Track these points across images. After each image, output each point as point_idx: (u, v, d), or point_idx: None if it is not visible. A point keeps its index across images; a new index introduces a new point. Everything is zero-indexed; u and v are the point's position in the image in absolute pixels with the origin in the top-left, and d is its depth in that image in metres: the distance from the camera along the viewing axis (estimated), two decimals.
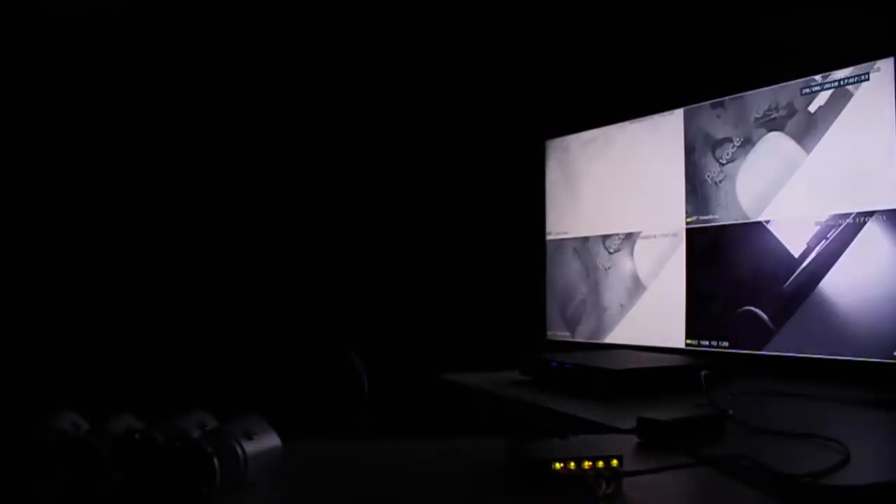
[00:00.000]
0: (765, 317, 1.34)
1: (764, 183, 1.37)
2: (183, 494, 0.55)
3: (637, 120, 1.61)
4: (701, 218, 1.47)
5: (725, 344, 1.40)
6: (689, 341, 1.46)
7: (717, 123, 1.45)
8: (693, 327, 1.46)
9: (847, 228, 1.24)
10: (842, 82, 1.26)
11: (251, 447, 0.59)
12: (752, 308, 1.36)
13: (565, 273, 1.76)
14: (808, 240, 1.29)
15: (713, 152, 1.46)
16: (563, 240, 1.78)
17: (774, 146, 1.36)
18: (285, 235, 1.70)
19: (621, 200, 1.64)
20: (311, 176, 1.72)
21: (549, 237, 1.82)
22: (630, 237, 1.61)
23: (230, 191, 1.66)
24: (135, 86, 1.59)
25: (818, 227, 1.28)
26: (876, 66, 1.22)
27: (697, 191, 1.48)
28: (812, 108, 1.30)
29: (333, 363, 1.19)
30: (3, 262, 1.49)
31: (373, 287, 1.75)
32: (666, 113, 1.54)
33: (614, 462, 0.60)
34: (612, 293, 1.64)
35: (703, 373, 1.10)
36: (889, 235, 1.19)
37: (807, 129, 1.31)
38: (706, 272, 1.45)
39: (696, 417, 0.78)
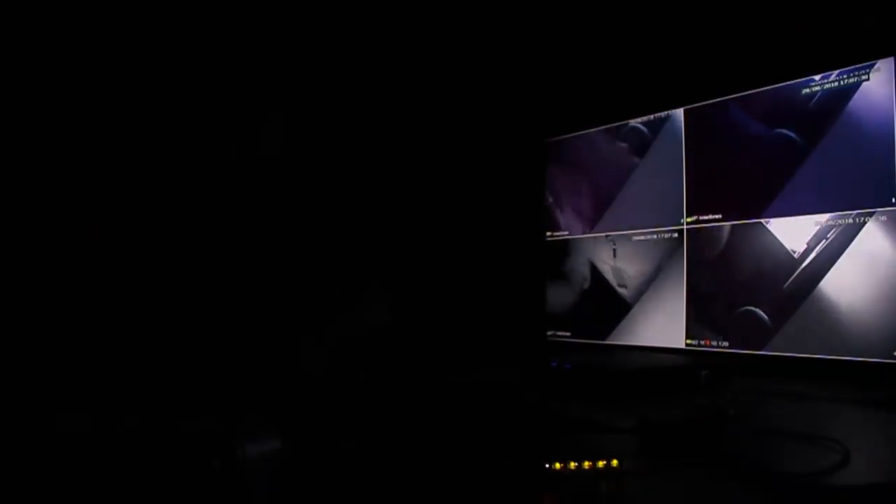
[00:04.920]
0: (765, 317, 1.34)
1: (764, 183, 1.37)
2: (183, 494, 0.55)
3: (638, 119, 1.61)
4: (701, 218, 1.47)
5: (725, 344, 1.40)
6: (689, 341, 1.46)
7: (718, 123, 1.45)
8: (693, 327, 1.46)
9: (847, 228, 1.24)
10: (842, 82, 1.27)
11: (251, 447, 0.59)
12: (752, 308, 1.37)
13: (565, 273, 1.76)
14: (808, 240, 1.29)
15: (713, 152, 1.46)
16: (563, 240, 1.78)
17: (774, 146, 1.36)
18: (286, 234, 1.70)
19: (621, 200, 1.64)
20: (312, 175, 1.72)
21: (549, 237, 1.82)
22: (630, 237, 1.61)
23: (226, 189, 1.66)
24: (130, 82, 1.59)
25: (818, 227, 1.28)
26: (876, 66, 1.22)
27: (698, 190, 1.48)
28: (812, 107, 1.30)
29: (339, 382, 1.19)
30: (6, 261, 1.49)
31: (373, 287, 1.75)
32: (666, 112, 1.54)
33: (614, 462, 0.60)
34: (612, 293, 1.64)
35: (703, 373, 1.10)
36: (889, 235, 1.19)
37: (807, 129, 1.31)
38: (706, 272, 1.45)
39: (696, 417, 0.78)
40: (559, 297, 1.78)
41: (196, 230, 1.62)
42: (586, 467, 0.60)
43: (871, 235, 1.21)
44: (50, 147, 1.53)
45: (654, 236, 1.55)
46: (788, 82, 1.34)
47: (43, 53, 1.48)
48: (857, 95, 1.24)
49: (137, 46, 1.57)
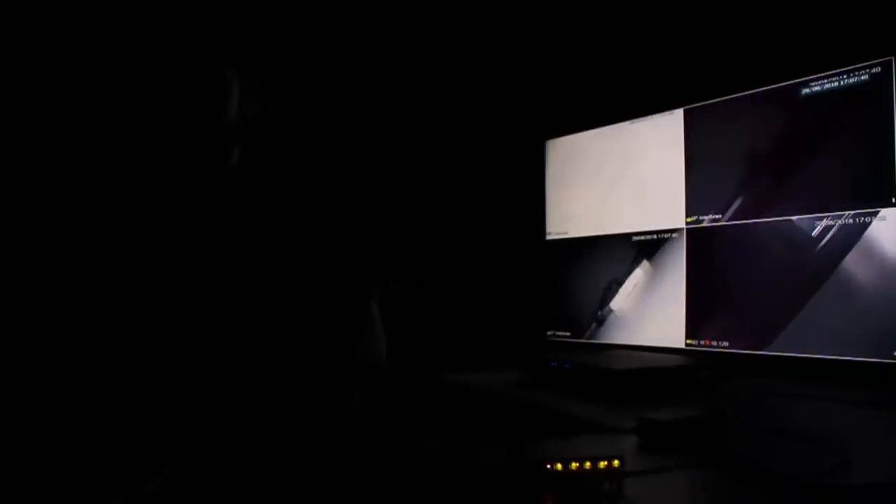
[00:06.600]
0: (765, 317, 1.34)
1: (765, 182, 1.37)
2: (183, 493, 0.55)
3: (637, 120, 1.61)
4: (701, 218, 1.47)
5: (725, 344, 1.40)
6: (689, 341, 1.46)
7: (718, 123, 1.45)
8: (693, 327, 1.46)
9: (848, 228, 1.24)
10: (841, 82, 1.27)
11: (250, 447, 0.59)
12: (752, 308, 1.36)
13: (565, 273, 1.76)
14: (808, 240, 1.29)
15: (713, 152, 1.46)
16: (563, 240, 1.78)
17: (775, 146, 1.36)
18: (283, 234, 1.69)
19: (621, 200, 1.64)
20: (309, 174, 1.72)
21: (549, 237, 1.82)
22: (629, 237, 1.61)
23: (223, 189, 1.66)
24: (127, 82, 1.58)
25: (819, 228, 1.28)
26: (876, 66, 1.22)
27: (697, 190, 1.48)
28: (812, 107, 1.30)
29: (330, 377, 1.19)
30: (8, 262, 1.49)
31: (372, 286, 1.75)
32: (666, 113, 1.54)
33: (615, 462, 0.60)
34: (612, 293, 1.64)
35: (703, 373, 1.10)
36: (890, 236, 1.19)
37: (807, 129, 1.31)
38: (706, 272, 1.45)
39: (696, 417, 0.78)
40: (559, 297, 1.78)
41: (199, 233, 1.62)
42: (587, 468, 0.60)
43: (872, 235, 1.21)
44: (56, 150, 1.52)
45: (654, 236, 1.55)
46: (788, 82, 1.34)
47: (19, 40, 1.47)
48: (857, 96, 1.24)
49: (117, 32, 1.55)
